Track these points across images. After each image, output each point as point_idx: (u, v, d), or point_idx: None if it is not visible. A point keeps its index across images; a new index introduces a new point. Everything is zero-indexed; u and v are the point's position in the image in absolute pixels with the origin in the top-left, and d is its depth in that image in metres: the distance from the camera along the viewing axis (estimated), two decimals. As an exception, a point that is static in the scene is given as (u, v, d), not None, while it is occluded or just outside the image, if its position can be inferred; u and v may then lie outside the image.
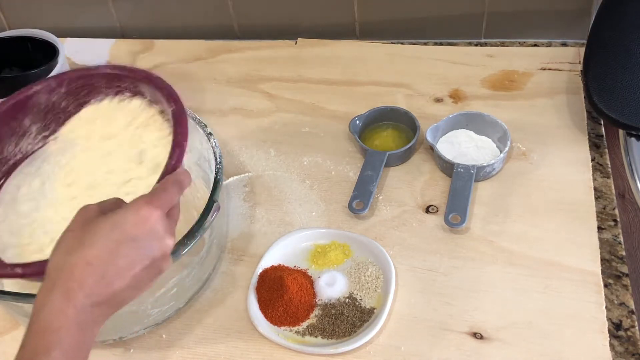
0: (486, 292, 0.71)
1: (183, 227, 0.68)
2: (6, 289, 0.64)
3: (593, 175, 0.80)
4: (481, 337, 0.67)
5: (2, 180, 0.73)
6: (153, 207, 0.53)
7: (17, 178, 0.73)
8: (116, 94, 0.73)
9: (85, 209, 0.54)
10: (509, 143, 0.82)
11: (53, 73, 0.91)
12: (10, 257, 0.65)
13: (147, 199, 0.53)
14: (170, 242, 0.54)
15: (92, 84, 0.73)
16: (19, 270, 0.59)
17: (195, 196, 0.80)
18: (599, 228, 0.75)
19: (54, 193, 0.70)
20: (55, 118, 0.74)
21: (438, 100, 0.94)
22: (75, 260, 0.50)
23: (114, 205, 0.55)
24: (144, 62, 1.06)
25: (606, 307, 0.68)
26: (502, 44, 1.02)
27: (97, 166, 0.70)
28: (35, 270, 0.58)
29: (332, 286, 0.72)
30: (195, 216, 0.68)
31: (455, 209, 0.76)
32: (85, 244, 0.50)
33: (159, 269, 0.54)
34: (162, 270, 0.54)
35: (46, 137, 0.74)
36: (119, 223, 0.51)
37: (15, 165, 0.74)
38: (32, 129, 0.74)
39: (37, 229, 0.67)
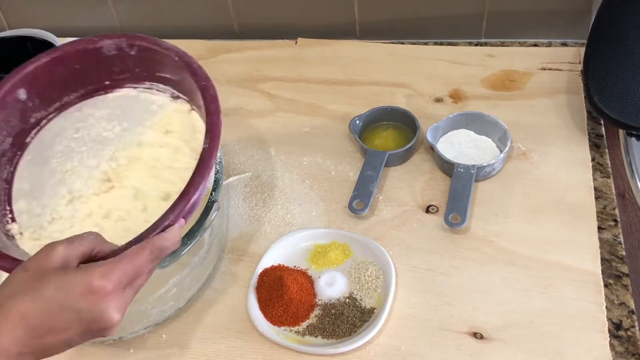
0: (486, 292, 0.71)
1: (183, 227, 0.68)
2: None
3: (593, 175, 0.80)
4: (481, 337, 0.67)
5: (52, 116, 0.71)
6: (107, 281, 0.50)
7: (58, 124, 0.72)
8: (175, 97, 0.72)
9: (49, 252, 0.52)
10: (509, 143, 0.82)
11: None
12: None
13: (104, 270, 0.51)
14: (116, 319, 0.51)
15: (159, 59, 0.70)
16: None
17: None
18: (599, 228, 0.75)
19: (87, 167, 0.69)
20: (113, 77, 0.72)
21: (438, 100, 0.94)
22: (12, 308, 0.49)
23: (85, 247, 0.53)
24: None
25: (606, 307, 0.68)
26: (502, 44, 1.02)
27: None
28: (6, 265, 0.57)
29: (332, 286, 0.72)
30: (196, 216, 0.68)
31: (455, 209, 0.76)
32: (28, 294, 0.49)
33: (97, 336, 0.52)
34: (103, 336, 0.52)
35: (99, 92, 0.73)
36: (67, 288, 0.50)
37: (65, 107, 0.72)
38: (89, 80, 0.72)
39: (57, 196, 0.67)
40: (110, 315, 0.51)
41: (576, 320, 0.67)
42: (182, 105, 0.72)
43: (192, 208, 0.59)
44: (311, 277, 0.74)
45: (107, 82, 0.73)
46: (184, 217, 0.58)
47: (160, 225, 0.57)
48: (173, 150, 0.69)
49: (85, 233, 0.54)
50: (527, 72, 0.95)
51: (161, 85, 0.72)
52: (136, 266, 0.53)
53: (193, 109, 0.71)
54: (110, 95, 0.73)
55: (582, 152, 0.83)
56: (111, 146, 0.70)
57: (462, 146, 0.84)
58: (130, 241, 0.56)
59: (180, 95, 0.72)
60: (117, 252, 0.54)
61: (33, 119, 0.71)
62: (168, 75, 0.71)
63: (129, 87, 0.73)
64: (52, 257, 0.51)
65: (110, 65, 0.72)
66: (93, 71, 0.72)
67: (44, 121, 0.72)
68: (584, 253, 0.73)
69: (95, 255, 0.54)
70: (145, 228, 0.57)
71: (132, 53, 0.71)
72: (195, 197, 0.58)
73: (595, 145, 0.84)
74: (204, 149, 0.61)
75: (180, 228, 0.58)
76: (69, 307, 0.49)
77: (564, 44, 1.00)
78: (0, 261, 0.59)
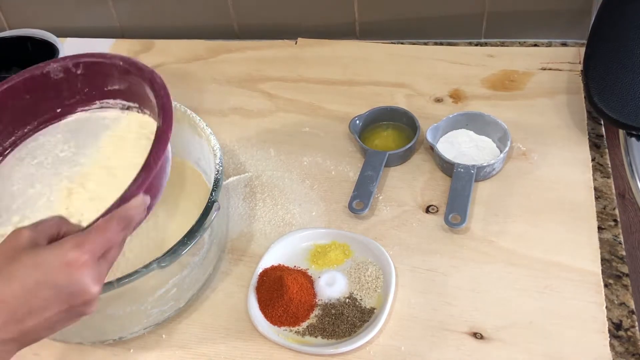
0: (486, 292, 0.71)
1: (183, 227, 0.68)
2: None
3: (593, 175, 0.80)
4: (481, 337, 0.67)
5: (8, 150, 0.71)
6: (81, 252, 0.50)
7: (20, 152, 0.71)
8: (126, 107, 0.72)
9: (15, 235, 0.51)
10: (509, 143, 0.82)
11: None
12: None
13: (77, 241, 0.50)
14: (95, 290, 0.50)
15: (105, 71, 0.71)
16: None
17: (196, 196, 0.81)
18: (599, 228, 0.75)
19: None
20: (68, 98, 0.72)
21: (438, 100, 0.94)
22: None
23: (52, 229, 0.52)
24: (144, 62, 1.06)
25: (606, 307, 0.68)
26: (502, 44, 1.02)
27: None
28: None
29: (332, 286, 0.72)
30: (196, 216, 0.68)
31: (455, 209, 0.76)
32: (2, 278, 0.48)
33: (80, 313, 0.51)
34: (84, 314, 0.52)
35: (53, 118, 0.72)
36: (41, 264, 0.49)
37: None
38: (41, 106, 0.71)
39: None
40: (88, 287, 0.50)
41: (576, 320, 0.67)
42: (134, 114, 0.72)
43: (155, 180, 0.58)
44: (311, 277, 0.74)
45: (58, 110, 0.73)
46: (150, 191, 0.58)
47: (124, 198, 0.56)
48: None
49: (49, 217, 0.53)
50: (527, 72, 0.95)
51: (111, 101, 0.73)
52: (107, 236, 0.52)
53: (145, 113, 0.71)
54: (62, 122, 0.74)
55: (582, 152, 0.83)
56: (69, 164, 0.70)
57: (462, 146, 0.84)
58: (97, 218, 0.55)
59: (130, 104, 0.72)
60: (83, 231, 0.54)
61: None
62: (116, 87, 0.72)
63: (80, 111, 0.74)
64: (20, 239, 0.50)
65: (59, 91, 0.72)
66: (43, 99, 0.72)
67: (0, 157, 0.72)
68: (584, 253, 0.73)
69: (62, 236, 0.53)
70: None
71: (79, 72, 0.71)
72: (156, 168, 0.58)
73: (595, 145, 0.84)
74: (157, 127, 0.61)
75: (144, 199, 0.57)
76: (46, 283, 0.48)
77: (564, 44, 1.00)
78: None
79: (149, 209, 0.58)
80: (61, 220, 0.54)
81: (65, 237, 0.52)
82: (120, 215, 0.54)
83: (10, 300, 0.48)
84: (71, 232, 0.53)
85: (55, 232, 0.53)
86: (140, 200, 0.56)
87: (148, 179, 0.57)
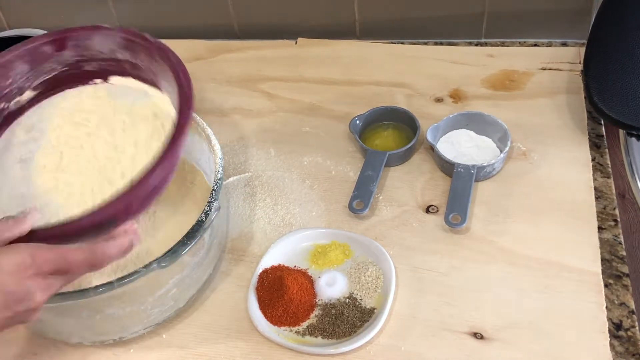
0: (486, 292, 0.71)
1: (183, 227, 0.68)
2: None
3: (593, 175, 0.80)
4: (481, 337, 0.67)
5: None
6: (33, 262, 0.50)
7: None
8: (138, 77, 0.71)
9: None
10: (509, 143, 0.82)
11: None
12: None
13: (33, 251, 0.51)
14: (39, 300, 0.51)
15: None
16: None
17: (196, 195, 0.81)
18: (599, 228, 0.75)
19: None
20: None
21: (438, 100, 0.93)
22: None
23: (7, 230, 0.53)
24: (144, 62, 1.06)
25: (606, 307, 0.68)
26: (502, 44, 1.02)
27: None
28: None
29: (332, 286, 0.72)
30: (196, 216, 0.68)
31: (455, 209, 0.76)
32: None
33: (21, 320, 0.52)
34: (25, 322, 0.52)
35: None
36: None
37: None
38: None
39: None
40: (35, 296, 0.50)
41: (576, 320, 0.67)
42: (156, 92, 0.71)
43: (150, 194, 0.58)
44: (311, 277, 0.74)
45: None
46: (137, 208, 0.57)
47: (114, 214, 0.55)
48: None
49: (4, 217, 0.54)
50: (527, 72, 0.95)
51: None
52: (67, 260, 0.52)
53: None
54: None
55: (582, 152, 0.83)
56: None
57: (462, 146, 0.84)
58: (74, 219, 0.54)
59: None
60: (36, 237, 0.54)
61: None
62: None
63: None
64: None
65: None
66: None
67: None
68: (584, 253, 0.73)
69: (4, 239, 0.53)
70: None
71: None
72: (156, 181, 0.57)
73: (595, 145, 0.84)
74: (173, 133, 0.59)
75: (130, 237, 0.57)
76: None
77: (564, 44, 1.00)
78: None
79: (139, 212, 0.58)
80: (16, 221, 0.54)
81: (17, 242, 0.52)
82: (94, 252, 0.54)
83: None
84: (13, 237, 0.53)
85: (9, 236, 0.53)
86: (124, 240, 0.56)
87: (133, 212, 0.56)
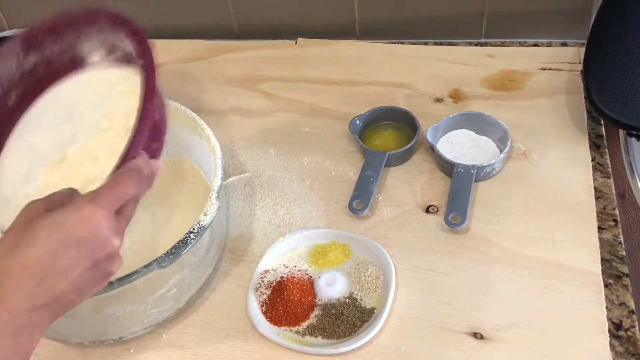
0: (486, 292, 0.71)
1: (183, 227, 0.68)
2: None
3: (593, 175, 0.80)
4: (481, 337, 0.67)
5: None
6: (97, 206, 0.50)
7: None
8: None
9: (30, 206, 0.51)
10: (509, 143, 0.82)
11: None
12: None
13: (91, 196, 0.51)
14: (116, 243, 0.51)
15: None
16: None
17: (196, 195, 0.81)
18: (599, 228, 0.75)
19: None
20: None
21: (438, 100, 0.93)
22: (11, 262, 0.47)
23: (64, 199, 0.52)
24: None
25: (606, 307, 0.68)
26: (502, 44, 1.02)
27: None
28: None
29: (332, 286, 0.72)
30: (196, 216, 0.68)
31: (455, 209, 0.76)
32: (23, 244, 0.48)
33: (105, 271, 0.51)
34: (110, 272, 0.52)
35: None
36: (60, 223, 0.49)
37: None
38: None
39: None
40: (109, 238, 0.50)
41: (576, 320, 0.67)
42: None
43: (153, 132, 0.57)
44: (311, 277, 0.74)
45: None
46: (153, 138, 0.57)
47: (127, 156, 0.55)
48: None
49: (61, 189, 0.53)
50: (527, 72, 0.95)
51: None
52: (120, 190, 0.52)
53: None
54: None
55: (582, 152, 0.83)
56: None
57: (462, 146, 0.84)
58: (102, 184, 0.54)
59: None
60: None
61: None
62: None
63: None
64: (35, 206, 0.51)
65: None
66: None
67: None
68: (584, 253, 0.73)
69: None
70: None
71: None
72: (150, 120, 0.56)
73: (595, 145, 0.84)
74: (143, 76, 0.59)
75: (144, 156, 0.56)
76: (68, 240, 0.48)
77: (564, 44, 1.00)
78: None
79: (156, 151, 0.58)
80: (72, 190, 0.54)
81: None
82: (130, 169, 0.54)
83: (35, 264, 0.47)
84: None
85: (68, 200, 0.52)
86: (144, 158, 0.56)
87: (141, 140, 0.55)
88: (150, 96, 0.57)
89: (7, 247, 0.48)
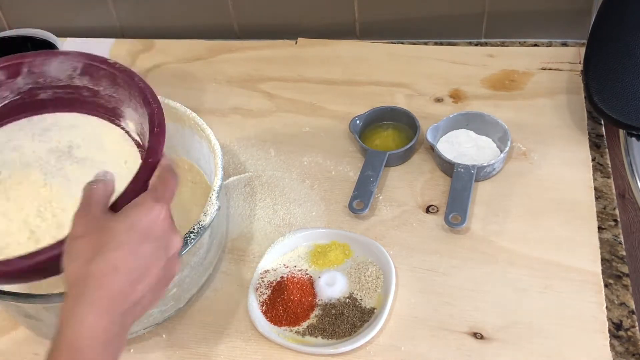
0: (486, 292, 0.71)
1: (183, 227, 0.68)
2: (6, 288, 0.64)
3: (593, 175, 0.80)
4: (481, 337, 0.67)
5: None
6: (163, 204, 0.51)
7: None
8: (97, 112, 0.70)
9: (84, 212, 0.51)
10: (509, 143, 0.82)
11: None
12: None
13: (154, 196, 0.52)
14: (180, 239, 0.53)
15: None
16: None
17: (196, 195, 0.81)
18: (599, 228, 0.75)
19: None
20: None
21: (438, 100, 0.93)
22: (102, 266, 0.47)
23: (104, 193, 0.53)
24: (144, 62, 1.06)
25: (606, 307, 0.68)
26: (502, 44, 1.02)
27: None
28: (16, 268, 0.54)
29: (332, 286, 0.72)
30: (196, 216, 0.68)
31: (455, 209, 0.76)
32: (107, 247, 0.48)
33: (171, 270, 0.52)
34: (173, 274, 0.53)
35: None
36: (135, 225, 0.49)
37: None
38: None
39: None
40: (177, 236, 0.52)
41: (576, 320, 0.67)
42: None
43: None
44: (311, 277, 0.74)
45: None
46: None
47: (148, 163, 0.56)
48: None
49: (90, 184, 0.53)
50: (527, 72, 0.95)
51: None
52: (170, 187, 0.53)
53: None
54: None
55: (582, 152, 0.83)
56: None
57: (462, 146, 0.84)
58: (130, 183, 0.55)
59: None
60: (130, 189, 0.54)
61: None
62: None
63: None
64: (93, 214, 0.51)
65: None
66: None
67: None
68: (584, 253, 0.73)
69: (119, 197, 0.54)
70: None
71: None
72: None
73: (595, 145, 0.84)
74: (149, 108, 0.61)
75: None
76: (146, 240, 0.49)
77: (564, 44, 1.00)
78: None
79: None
80: (104, 182, 0.54)
81: (128, 194, 0.53)
82: (166, 166, 0.55)
83: (122, 266, 0.48)
84: (114, 190, 0.54)
85: (110, 194, 0.53)
86: (168, 157, 0.58)
87: (163, 139, 0.57)
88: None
89: (88, 254, 0.48)
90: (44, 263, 0.53)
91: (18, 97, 0.69)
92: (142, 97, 0.62)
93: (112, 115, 0.69)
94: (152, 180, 0.55)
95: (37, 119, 0.70)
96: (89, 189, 0.53)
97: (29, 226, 0.63)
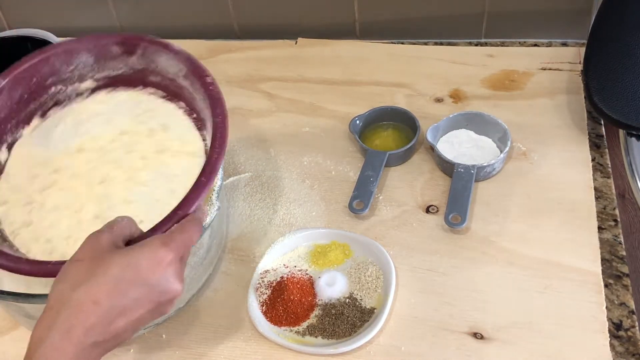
0: (486, 292, 0.71)
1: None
2: (6, 288, 0.64)
3: (593, 175, 0.80)
4: (481, 337, 0.67)
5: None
6: (169, 250, 0.51)
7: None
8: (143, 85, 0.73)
9: (95, 238, 0.52)
10: (509, 143, 0.82)
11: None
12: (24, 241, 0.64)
13: (164, 240, 0.52)
14: (179, 288, 0.52)
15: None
16: (24, 267, 0.58)
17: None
18: (599, 228, 0.75)
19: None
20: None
21: (438, 100, 0.94)
22: (82, 296, 0.48)
23: (125, 230, 0.53)
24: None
25: (606, 307, 0.68)
26: (502, 44, 1.02)
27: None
28: (44, 270, 0.57)
29: (332, 286, 0.72)
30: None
31: (455, 209, 0.76)
32: (94, 280, 0.48)
33: (162, 312, 0.52)
34: (165, 313, 0.53)
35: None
36: (132, 263, 0.49)
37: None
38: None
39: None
40: (175, 285, 0.51)
41: (576, 320, 0.67)
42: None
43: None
44: (311, 277, 0.74)
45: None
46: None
47: (183, 206, 0.57)
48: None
49: (119, 218, 0.54)
50: (527, 72, 0.95)
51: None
52: (187, 237, 0.54)
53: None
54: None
55: (582, 152, 0.83)
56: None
57: (462, 146, 0.84)
58: (149, 230, 0.56)
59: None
60: (147, 235, 0.55)
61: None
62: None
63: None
64: (101, 242, 0.51)
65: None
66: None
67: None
68: (584, 253, 0.73)
69: (136, 238, 0.54)
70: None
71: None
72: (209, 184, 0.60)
73: (595, 145, 0.84)
74: (214, 128, 0.64)
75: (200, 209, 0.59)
76: (139, 282, 0.49)
77: (564, 44, 1.00)
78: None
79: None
80: (130, 221, 0.55)
81: (135, 241, 0.53)
82: (195, 218, 0.56)
83: (105, 300, 0.48)
84: (137, 233, 0.55)
85: (128, 234, 0.54)
86: (203, 210, 0.59)
87: (204, 191, 0.58)
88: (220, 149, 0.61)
89: (76, 280, 0.49)
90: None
91: (131, 71, 0.73)
92: (214, 133, 0.64)
93: (199, 128, 0.72)
94: (174, 226, 0.55)
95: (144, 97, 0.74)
96: (114, 219, 0.54)
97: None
